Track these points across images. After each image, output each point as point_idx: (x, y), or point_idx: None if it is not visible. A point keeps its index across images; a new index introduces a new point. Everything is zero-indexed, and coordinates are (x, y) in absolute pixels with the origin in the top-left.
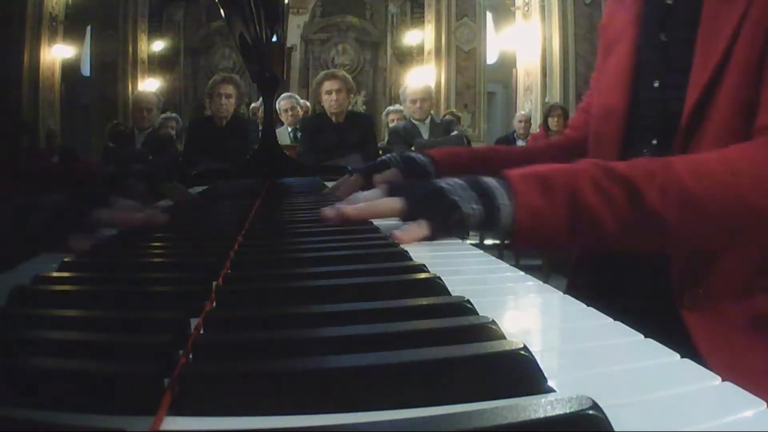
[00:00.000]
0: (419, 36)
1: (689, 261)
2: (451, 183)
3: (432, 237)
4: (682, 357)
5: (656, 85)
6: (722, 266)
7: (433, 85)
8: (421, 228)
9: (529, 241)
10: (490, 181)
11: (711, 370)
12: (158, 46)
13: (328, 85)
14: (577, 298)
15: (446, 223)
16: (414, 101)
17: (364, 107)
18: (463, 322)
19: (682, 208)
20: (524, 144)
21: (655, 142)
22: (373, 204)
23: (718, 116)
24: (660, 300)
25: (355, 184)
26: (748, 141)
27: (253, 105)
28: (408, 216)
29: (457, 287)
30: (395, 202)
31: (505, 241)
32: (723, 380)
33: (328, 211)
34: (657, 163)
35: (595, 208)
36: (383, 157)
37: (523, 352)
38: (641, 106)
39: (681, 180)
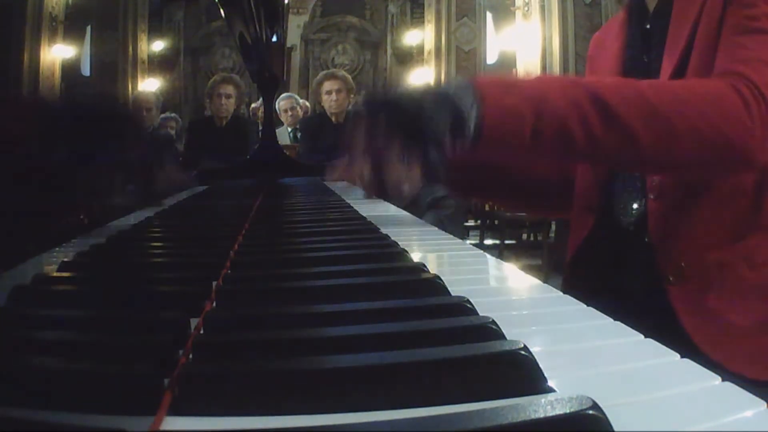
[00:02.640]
0: (419, 36)
1: (673, 246)
2: (422, 97)
3: (423, 159)
4: (682, 357)
5: None
6: (711, 254)
7: (431, 85)
8: (411, 171)
9: (497, 142)
10: (458, 87)
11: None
12: (158, 46)
13: (328, 86)
14: (574, 294)
15: (424, 136)
16: None
17: None
18: (463, 322)
19: (646, 118)
20: None
21: None
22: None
23: None
24: (653, 294)
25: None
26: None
27: (253, 105)
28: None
29: (457, 287)
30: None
31: (471, 150)
32: (723, 380)
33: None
34: (622, 80)
35: (561, 111)
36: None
37: (523, 352)
38: None
39: (643, 92)
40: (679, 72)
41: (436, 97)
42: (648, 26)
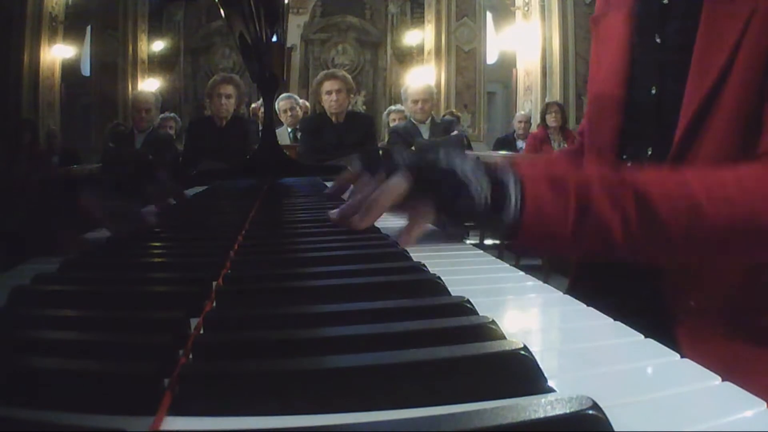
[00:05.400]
0: (419, 36)
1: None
2: (463, 163)
3: (437, 220)
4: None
5: (653, 92)
6: (717, 283)
7: (433, 85)
8: (424, 214)
9: (533, 239)
10: (502, 170)
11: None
12: (158, 46)
13: (328, 86)
14: (578, 298)
15: (454, 205)
16: (416, 101)
17: (364, 107)
18: (463, 322)
19: (690, 225)
20: (524, 144)
21: (650, 151)
22: (376, 201)
23: (715, 132)
24: (656, 309)
25: (350, 179)
26: (754, 162)
27: (253, 105)
28: (413, 196)
29: (457, 287)
30: (400, 186)
31: (504, 240)
32: (723, 380)
33: (334, 215)
34: (671, 179)
35: (605, 214)
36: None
37: (523, 352)
38: (636, 108)
39: (696, 200)
40: (708, 102)
41: (480, 170)
42: (666, 1)
